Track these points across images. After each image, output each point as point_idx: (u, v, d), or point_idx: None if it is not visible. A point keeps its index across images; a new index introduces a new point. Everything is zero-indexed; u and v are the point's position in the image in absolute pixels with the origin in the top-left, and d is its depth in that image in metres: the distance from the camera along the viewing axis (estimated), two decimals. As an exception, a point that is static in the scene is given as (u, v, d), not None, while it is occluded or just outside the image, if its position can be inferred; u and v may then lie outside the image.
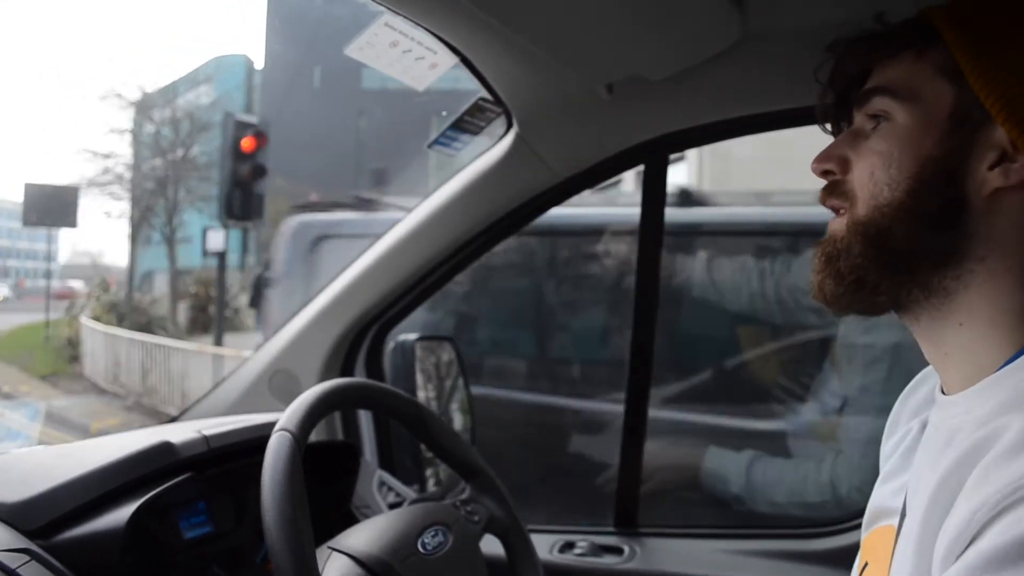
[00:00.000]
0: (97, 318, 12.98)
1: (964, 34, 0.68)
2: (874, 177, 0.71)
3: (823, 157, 0.76)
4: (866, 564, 0.82)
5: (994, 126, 0.66)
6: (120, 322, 13.16)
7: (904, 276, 0.70)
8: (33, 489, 0.94)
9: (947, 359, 0.72)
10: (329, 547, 0.96)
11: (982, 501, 0.55)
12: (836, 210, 0.76)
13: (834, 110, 0.81)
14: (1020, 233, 0.67)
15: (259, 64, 24.86)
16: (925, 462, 0.72)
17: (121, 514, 0.92)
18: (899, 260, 0.70)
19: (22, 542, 0.87)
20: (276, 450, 0.86)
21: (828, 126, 0.83)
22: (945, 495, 0.61)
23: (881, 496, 0.84)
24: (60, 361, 13.03)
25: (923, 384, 0.87)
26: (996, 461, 0.57)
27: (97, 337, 11.63)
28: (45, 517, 0.92)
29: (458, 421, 1.70)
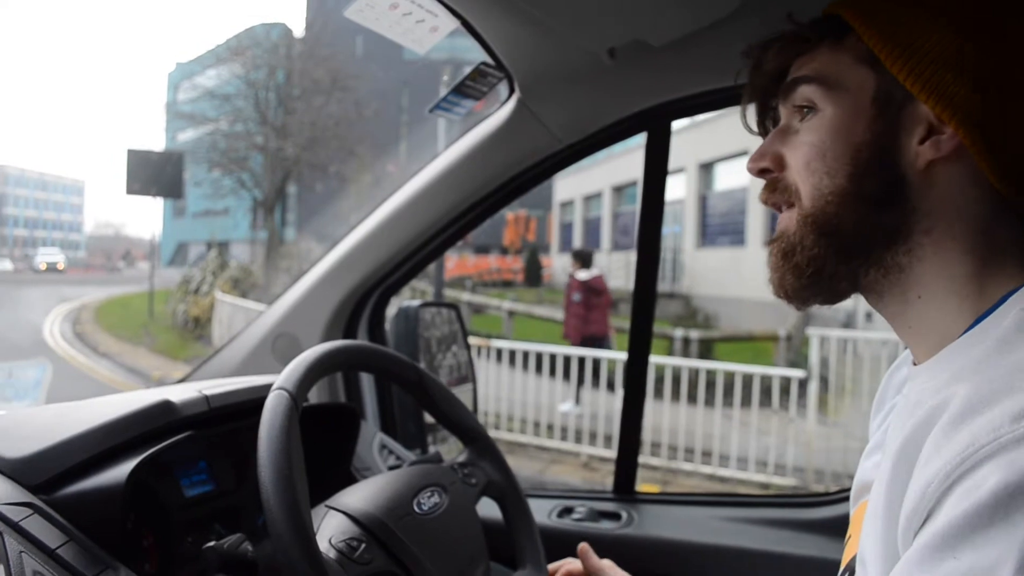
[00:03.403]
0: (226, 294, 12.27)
1: (874, 23, 0.72)
2: (811, 167, 0.73)
3: (757, 156, 0.79)
4: (849, 536, 0.84)
5: (918, 103, 0.69)
6: (244, 298, 12.56)
7: (859, 259, 0.73)
8: (36, 445, 0.95)
9: (912, 332, 0.74)
10: (326, 505, 0.98)
11: (933, 474, 0.57)
12: (778, 207, 0.78)
13: (759, 111, 0.84)
14: (958, 202, 0.70)
15: (298, 33, 24.80)
16: (894, 433, 0.73)
17: (121, 470, 0.93)
18: (852, 244, 0.72)
19: (25, 496, 0.88)
20: (273, 408, 0.87)
21: (755, 128, 0.86)
22: (904, 464, 0.63)
23: (864, 471, 0.87)
24: (191, 341, 12.45)
25: (908, 361, 0.88)
26: (944, 431, 0.58)
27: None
28: (47, 472, 0.93)
29: (461, 388, 1.71)
